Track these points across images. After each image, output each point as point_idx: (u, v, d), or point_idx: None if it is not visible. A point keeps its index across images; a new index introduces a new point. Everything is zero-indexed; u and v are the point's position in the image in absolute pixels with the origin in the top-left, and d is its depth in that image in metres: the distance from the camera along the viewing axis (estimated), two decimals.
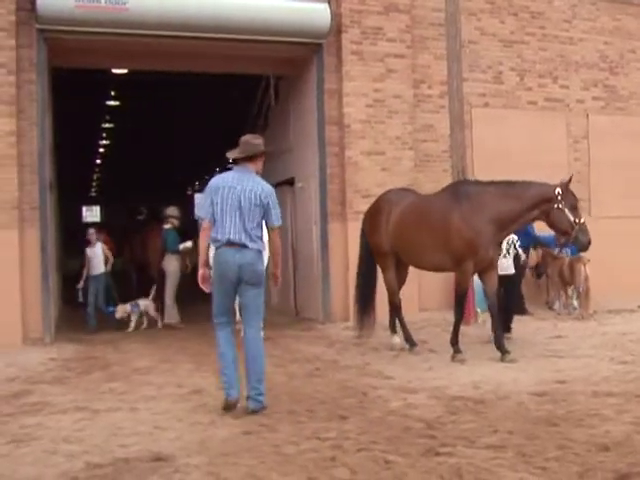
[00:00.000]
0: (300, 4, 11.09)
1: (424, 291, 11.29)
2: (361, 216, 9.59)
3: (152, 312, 11.56)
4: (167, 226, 12.27)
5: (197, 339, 9.67)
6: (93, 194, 41.34)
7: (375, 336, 9.24)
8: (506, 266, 9.06)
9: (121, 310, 11.33)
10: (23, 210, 9.94)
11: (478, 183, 8.48)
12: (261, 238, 5.87)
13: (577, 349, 8.33)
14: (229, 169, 6.30)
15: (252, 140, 6.00)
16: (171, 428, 5.38)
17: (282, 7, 10.97)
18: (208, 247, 5.93)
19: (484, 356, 7.95)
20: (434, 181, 11.18)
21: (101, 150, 31.20)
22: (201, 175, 31.17)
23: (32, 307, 9.84)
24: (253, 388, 5.74)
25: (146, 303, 11.52)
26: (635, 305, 11.45)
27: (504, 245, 8.94)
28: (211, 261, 5.96)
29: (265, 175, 6.28)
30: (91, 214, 39.34)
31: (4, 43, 9.68)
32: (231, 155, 6.04)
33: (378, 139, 11.46)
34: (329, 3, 11.19)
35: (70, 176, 21.90)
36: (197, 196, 30.80)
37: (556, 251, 11.05)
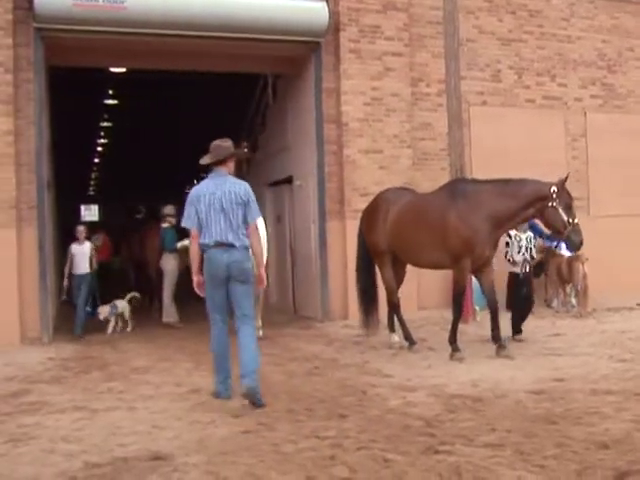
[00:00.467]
0: (298, 2, 11.08)
1: (423, 290, 11.30)
2: (359, 214, 9.59)
3: (127, 314, 11.18)
4: (165, 225, 12.25)
5: (195, 338, 9.64)
6: (91, 193, 41.27)
7: (375, 334, 9.23)
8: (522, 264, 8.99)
9: (103, 311, 11.02)
10: (21, 209, 9.93)
11: (475, 181, 8.57)
12: (247, 236, 6.14)
13: (575, 347, 8.33)
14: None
15: (222, 144, 6.31)
16: (170, 427, 5.38)
17: (280, 5, 10.95)
18: (199, 254, 6.19)
19: (482, 354, 7.97)
20: (432, 179, 11.17)
21: (99, 149, 31.16)
22: (201, 175, 31.06)
23: (30, 306, 9.83)
24: (246, 375, 5.85)
25: (123, 304, 11.20)
26: (634, 303, 11.45)
27: (523, 242, 8.95)
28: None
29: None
30: (89, 213, 39.43)
31: (1, 42, 9.67)
32: (204, 161, 6.34)
33: (376, 137, 11.46)
34: (327, 1, 11.16)
35: (68, 175, 21.88)
36: None
37: (554, 244, 11.01)
